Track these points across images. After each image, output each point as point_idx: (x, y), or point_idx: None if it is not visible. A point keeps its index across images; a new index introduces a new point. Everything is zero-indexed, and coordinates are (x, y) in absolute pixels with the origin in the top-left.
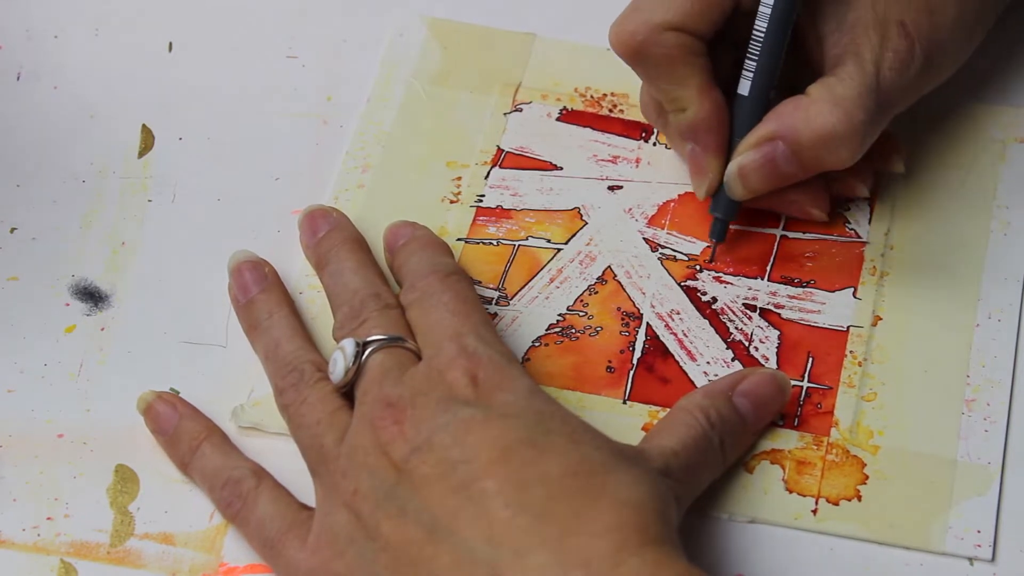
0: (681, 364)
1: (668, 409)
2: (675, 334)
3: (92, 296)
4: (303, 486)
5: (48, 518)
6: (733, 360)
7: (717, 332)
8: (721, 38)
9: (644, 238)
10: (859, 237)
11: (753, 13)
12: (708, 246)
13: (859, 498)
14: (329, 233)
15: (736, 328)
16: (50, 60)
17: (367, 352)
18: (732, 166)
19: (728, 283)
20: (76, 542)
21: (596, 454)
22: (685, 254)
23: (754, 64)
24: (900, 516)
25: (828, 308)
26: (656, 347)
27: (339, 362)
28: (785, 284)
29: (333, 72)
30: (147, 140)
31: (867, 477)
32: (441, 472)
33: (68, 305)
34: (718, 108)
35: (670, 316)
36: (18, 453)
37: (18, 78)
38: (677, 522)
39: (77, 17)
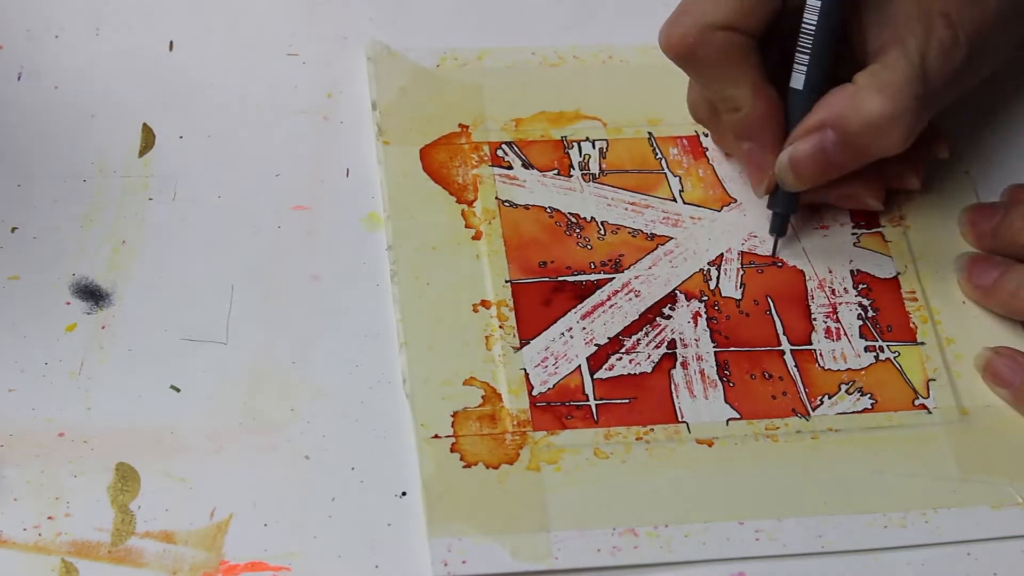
0: None
1: None
2: None
3: (93, 294)
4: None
5: (49, 517)
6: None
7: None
8: (768, 35)
9: None
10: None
11: (799, 8)
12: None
13: None
14: None
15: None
16: (50, 60)
17: None
18: (783, 157)
19: None
20: (77, 541)
21: None
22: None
23: (806, 57)
24: None
25: None
26: None
27: None
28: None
29: (333, 69)
30: (148, 139)
31: None
32: None
33: (69, 304)
34: (773, 104)
35: None
36: (19, 452)
37: (18, 78)
38: None
39: (77, 17)
